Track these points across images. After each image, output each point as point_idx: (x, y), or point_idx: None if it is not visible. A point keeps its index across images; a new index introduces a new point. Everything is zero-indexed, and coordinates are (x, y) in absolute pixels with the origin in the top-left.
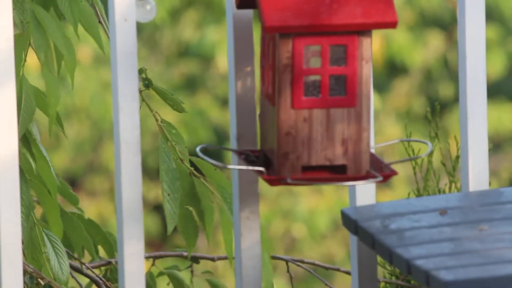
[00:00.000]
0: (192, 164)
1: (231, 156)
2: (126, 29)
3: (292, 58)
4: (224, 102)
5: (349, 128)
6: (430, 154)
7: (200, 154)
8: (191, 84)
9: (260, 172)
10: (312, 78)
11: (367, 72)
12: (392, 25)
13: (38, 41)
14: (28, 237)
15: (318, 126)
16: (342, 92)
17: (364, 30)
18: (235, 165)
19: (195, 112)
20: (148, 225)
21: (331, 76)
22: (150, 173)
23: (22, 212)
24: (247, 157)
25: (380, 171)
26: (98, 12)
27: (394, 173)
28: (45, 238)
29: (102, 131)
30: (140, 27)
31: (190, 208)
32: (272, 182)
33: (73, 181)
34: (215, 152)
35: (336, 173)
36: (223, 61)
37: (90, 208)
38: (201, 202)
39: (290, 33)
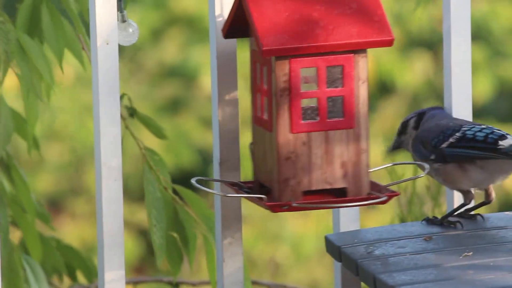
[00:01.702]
0: (174, 191)
1: (214, 183)
2: (108, 53)
3: (289, 81)
4: (208, 124)
5: (348, 150)
6: (415, 179)
7: (196, 184)
8: (175, 105)
9: (260, 199)
10: (310, 101)
11: (364, 92)
12: (389, 42)
13: (23, 70)
14: (6, 262)
15: (317, 149)
16: (340, 114)
17: (360, 50)
18: (235, 194)
19: (178, 134)
20: (129, 249)
21: (329, 98)
22: (131, 196)
23: None
24: (240, 187)
25: (379, 193)
26: (81, 37)
27: (395, 193)
28: (24, 262)
29: (85, 153)
30: (121, 47)
31: (175, 235)
32: (274, 209)
33: (56, 204)
34: (196, 175)
35: (337, 196)
36: (207, 82)
37: (73, 232)
38: (185, 229)
39: (287, 55)
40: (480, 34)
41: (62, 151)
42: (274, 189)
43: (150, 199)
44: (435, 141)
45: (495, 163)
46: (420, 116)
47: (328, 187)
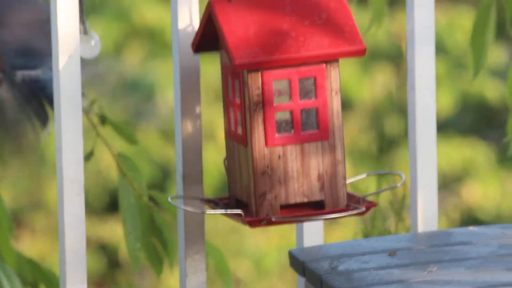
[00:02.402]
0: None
1: (177, 199)
2: (70, 66)
3: (262, 94)
4: (168, 138)
5: (324, 162)
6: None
7: (173, 203)
8: (135, 119)
9: (238, 215)
10: (283, 113)
11: (337, 103)
12: (361, 52)
13: None
14: None
15: (293, 162)
16: (314, 125)
17: (332, 60)
18: (213, 210)
19: (138, 147)
20: (90, 263)
21: (302, 110)
22: (93, 210)
23: None
24: (216, 204)
25: (357, 204)
26: None
27: (374, 204)
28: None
29: (44, 167)
30: (82, 60)
31: (154, 240)
32: (253, 224)
33: (15, 219)
34: (162, 188)
35: (314, 208)
36: (168, 95)
37: (33, 247)
38: (163, 234)
39: (259, 68)
40: (440, 48)
41: (20, 165)
42: (251, 204)
43: (125, 206)
44: None
45: None
46: None
47: (306, 200)
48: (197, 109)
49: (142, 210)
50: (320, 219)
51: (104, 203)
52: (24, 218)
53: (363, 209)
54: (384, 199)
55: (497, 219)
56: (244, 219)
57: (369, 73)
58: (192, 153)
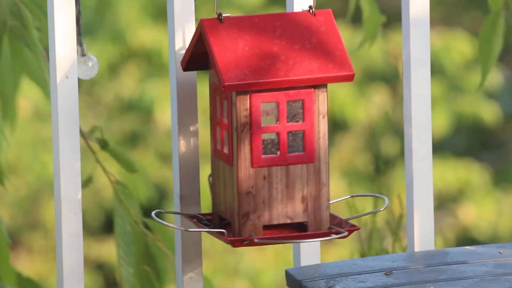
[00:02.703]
0: (144, 225)
1: (174, 217)
2: (68, 87)
3: (250, 116)
4: (165, 159)
5: (308, 184)
6: (375, 213)
7: (156, 218)
8: (132, 140)
9: (221, 233)
10: (270, 135)
11: (324, 126)
12: (349, 77)
13: None
14: None
15: (278, 184)
16: (301, 148)
17: (320, 85)
18: (195, 228)
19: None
20: (88, 283)
21: (289, 133)
22: (90, 230)
23: None
24: (199, 220)
25: (339, 227)
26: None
27: (356, 228)
28: None
29: (41, 187)
30: (79, 81)
31: (147, 268)
32: (235, 244)
33: (12, 239)
34: (159, 209)
35: (297, 230)
36: (165, 116)
37: (30, 266)
38: (156, 263)
39: (248, 90)
40: (435, 69)
41: (18, 185)
42: (234, 223)
43: (120, 233)
44: None
45: None
46: None
47: (289, 221)
48: (194, 130)
49: (136, 237)
50: (303, 242)
51: (101, 223)
52: (22, 237)
53: (346, 233)
54: (381, 219)
55: (493, 239)
56: (226, 238)
57: (365, 93)
58: (189, 174)
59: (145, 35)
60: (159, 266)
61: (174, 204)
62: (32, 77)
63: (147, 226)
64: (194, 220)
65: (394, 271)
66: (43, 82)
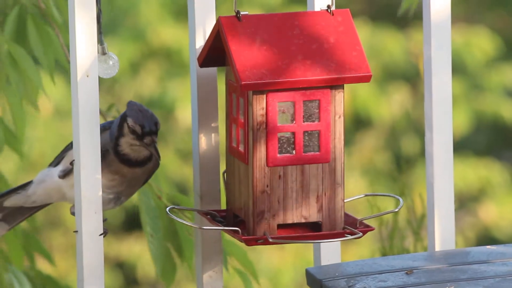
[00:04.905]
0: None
1: (194, 214)
2: (89, 85)
3: (266, 115)
4: (185, 156)
5: (323, 184)
6: (391, 213)
7: (170, 215)
8: None
9: (235, 232)
10: (286, 134)
11: (340, 127)
12: (366, 78)
13: (14, 79)
14: None
15: (293, 183)
16: (316, 148)
17: (337, 85)
18: (210, 226)
19: None
20: (109, 281)
21: (305, 132)
22: (110, 228)
23: None
24: (214, 217)
25: (354, 227)
26: (66, 50)
27: (370, 228)
28: (11, 275)
29: None
30: (99, 79)
31: (168, 245)
32: (249, 242)
33: (34, 237)
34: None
35: (311, 229)
36: (185, 115)
37: (50, 265)
38: (179, 237)
39: (264, 89)
40: (456, 67)
41: None
42: (248, 221)
43: (145, 209)
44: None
45: None
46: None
47: (303, 220)
48: (215, 128)
49: (161, 212)
50: (316, 242)
51: (122, 221)
52: (42, 235)
53: (360, 234)
54: (402, 218)
55: None
56: (241, 236)
57: (386, 92)
58: (210, 172)
59: (165, 33)
60: (183, 240)
61: (195, 202)
62: (56, 57)
63: (171, 200)
64: (208, 217)
65: (415, 271)
66: (64, 63)
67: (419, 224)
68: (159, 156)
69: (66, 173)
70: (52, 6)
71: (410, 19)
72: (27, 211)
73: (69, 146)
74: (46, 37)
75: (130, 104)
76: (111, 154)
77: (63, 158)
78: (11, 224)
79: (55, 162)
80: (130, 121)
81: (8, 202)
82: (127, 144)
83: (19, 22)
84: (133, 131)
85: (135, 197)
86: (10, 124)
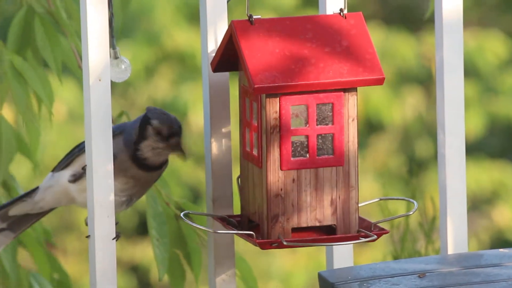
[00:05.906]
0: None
1: (207, 218)
2: (101, 89)
3: (279, 118)
4: (198, 160)
5: (337, 187)
6: (406, 216)
7: (185, 219)
8: None
9: (249, 236)
10: (299, 138)
11: (353, 130)
12: (379, 81)
13: (17, 92)
14: (15, 280)
15: (307, 186)
16: (330, 151)
17: (350, 88)
18: (224, 230)
19: (169, 170)
20: (122, 285)
21: (318, 136)
22: (124, 232)
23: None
24: (228, 222)
25: (368, 230)
26: (76, 52)
27: (385, 231)
28: (32, 280)
29: None
30: (113, 83)
31: (177, 251)
32: (264, 246)
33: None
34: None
35: (325, 233)
36: (198, 119)
37: (64, 267)
38: (187, 245)
39: (277, 93)
40: (469, 70)
41: None
42: (263, 225)
43: (152, 214)
44: None
45: None
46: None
47: (317, 224)
48: (227, 132)
49: (169, 219)
50: (331, 245)
51: (135, 225)
52: (56, 239)
53: (374, 237)
54: (414, 221)
55: None
56: (255, 240)
57: (399, 95)
58: (222, 176)
59: (179, 37)
60: (191, 248)
61: (207, 206)
62: (65, 60)
63: (180, 208)
64: (223, 221)
65: (427, 274)
66: (75, 67)
67: (431, 227)
68: (185, 155)
69: (77, 178)
70: (60, 7)
71: (423, 23)
72: (33, 218)
73: (75, 150)
74: (54, 39)
75: (150, 108)
76: (127, 161)
77: (71, 162)
78: (16, 232)
79: (60, 167)
80: (155, 122)
81: (14, 211)
82: (149, 148)
83: (25, 23)
84: (158, 133)
85: (143, 199)
86: (23, 132)
